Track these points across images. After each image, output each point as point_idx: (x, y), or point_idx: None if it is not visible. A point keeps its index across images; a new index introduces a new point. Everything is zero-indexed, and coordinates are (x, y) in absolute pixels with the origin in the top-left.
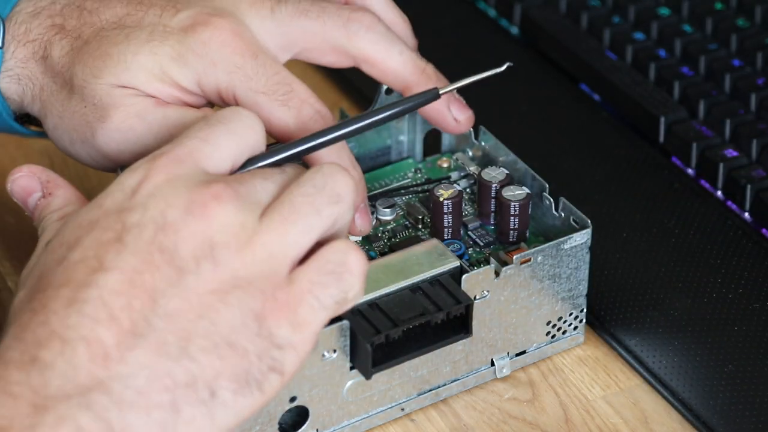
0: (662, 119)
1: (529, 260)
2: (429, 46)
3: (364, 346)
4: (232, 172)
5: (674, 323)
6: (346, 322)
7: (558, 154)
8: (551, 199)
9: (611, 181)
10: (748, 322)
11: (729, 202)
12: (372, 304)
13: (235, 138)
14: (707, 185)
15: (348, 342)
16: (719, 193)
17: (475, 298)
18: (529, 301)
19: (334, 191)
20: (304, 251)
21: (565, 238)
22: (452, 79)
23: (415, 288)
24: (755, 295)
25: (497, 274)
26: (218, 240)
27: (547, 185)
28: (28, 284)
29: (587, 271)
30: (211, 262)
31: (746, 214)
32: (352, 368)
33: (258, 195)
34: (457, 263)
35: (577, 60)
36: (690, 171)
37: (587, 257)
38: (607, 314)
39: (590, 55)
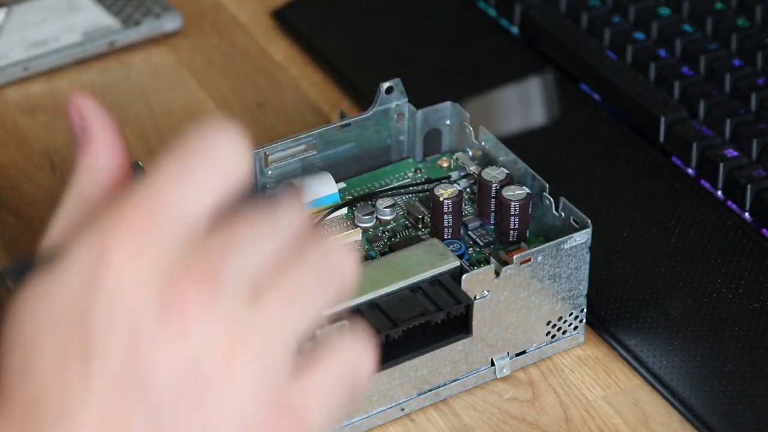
0: (662, 119)
1: (529, 260)
2: (429, 47)
3: None
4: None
5: (674, 323)
6: (345, 322)
7: (558, 154)
8: (551, 199)
9: (611, 181)
10: (748, 322)
11: (729, 202)
12: (372, 304)
13: (217, 169)
14: (707, 185)
15: None
16: (719, 193)
17: (475, 298)
18: (529, 301)
19: (338, 277)
20: (301, 342)
21: (565, 238)
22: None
23: (415, 288)
24: (755, 295)
25: (497, 273)
26: (202, 354)
27: (547, 185)
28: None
29: (587, 271)
30: (194, 397)
31: (746, 214)
32: None
33: (247, 267)
34: (457, 263)
35: (577, 60)
36: (690, 171)
37: (587, 257)
38: (607, 314)
39: (590, 55)
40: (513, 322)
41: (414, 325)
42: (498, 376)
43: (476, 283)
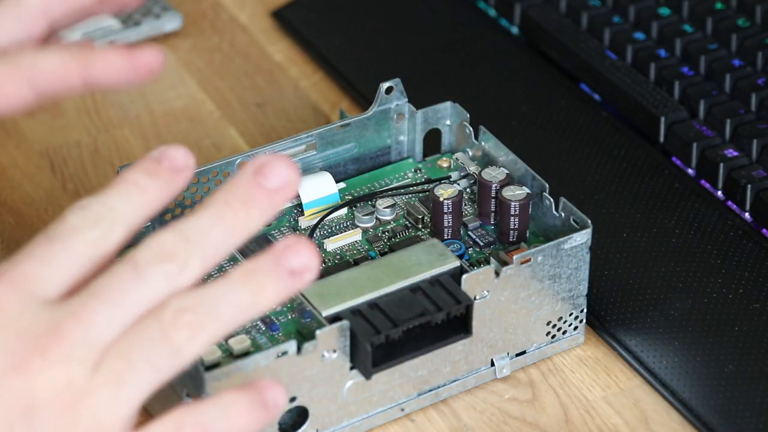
0: (662, 119)
1: (529, 260)
2: (429, 47)
3: (363, 347)
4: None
5: (674, 323)
6: (345, 322)
7: (558, 154)
8: (551, 199)
9: (611, 181)
10: (748, 322)
11: (729, 202)
12: (372, 304)
13: (79, 257)
14: (707, 185)
15: (348, 342)
16: (719, 193)
17: (475, 298)
18: (529, 301)
19: (179, 335)
20: (137, 410)
21: (566, 238)
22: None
23: (415, 288)
24: (755, 295)
25: (497, 274)
26: (38, 402)
27: (547, 185)
28: None
29: (587, 271)
30: (26, 427)
31: (746, 214)
32: (352, 368)
33: (96, 333)
34: (457, 263)
35: (577, 60)
36: (690, 171)
37: (587, 257)
38: (607, 314)
39: (590, 55)
40: (513, 322)
41: (414, 325)
42: (498, 377)
43: (476, 283)
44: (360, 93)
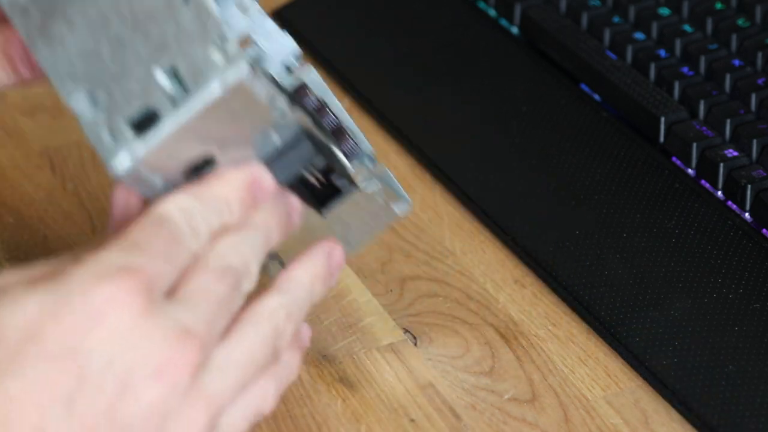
0: (662, 119)
1: None
2: (429, 46)
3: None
4: None
5: (674, 323)
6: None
7: (558, 154)
8: None
9: (611, 181)
10: (748, 322)
11: (729, 202)
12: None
13: (183, 250)
14: (707, 185)
15: None
16: (719, 193)
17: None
18: None
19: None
20: None
21: None
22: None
23: None
24: (755, 295)
25: None
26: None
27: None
28: None
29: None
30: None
31: (746, 215)
32: None
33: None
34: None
35: (577, 60)
36: (690, 171)
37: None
38: (607, 314)
39: (590, 55)
40: None
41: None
42: None
43: None
44: (360, 93)
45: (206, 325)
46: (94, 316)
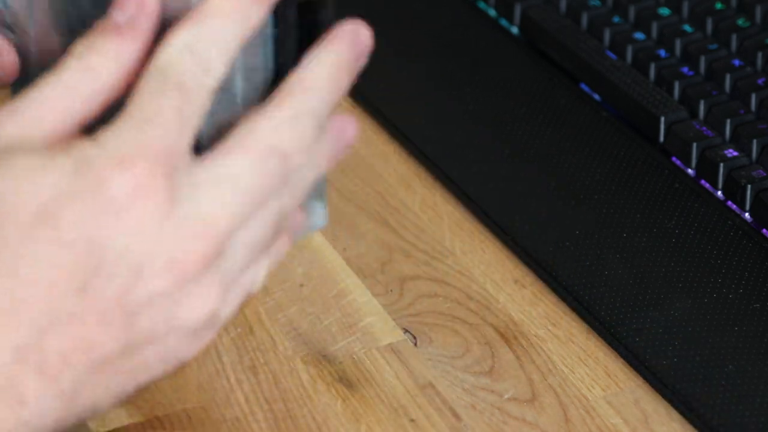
0: (662, 119)
1: None
2: (429, 46)
3: None
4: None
5: (674, 323)
6: None
7: (558, 154)
8: None
9: (611, 181)
10: (748, 322)
11: (729, 202)
12: None
13: (199, 100)
14: (707, 185)
15: None
16: (719, 193)
17: None
18: None
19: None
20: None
21: None
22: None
23: None
24: (755, 295)
25: None
26: (182, 323)
27: None
28: None
29: None
30: (161, 342)
31: (746, 215)
32: None
33: (247, 241)
34: None
35: (577, 60)
36: (690, 171)
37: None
38: (607, 314)
39: (590, 55)
40: None
41: None
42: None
43: None
44: (360, 93)
45: (229, 217)
46: (114, 206)
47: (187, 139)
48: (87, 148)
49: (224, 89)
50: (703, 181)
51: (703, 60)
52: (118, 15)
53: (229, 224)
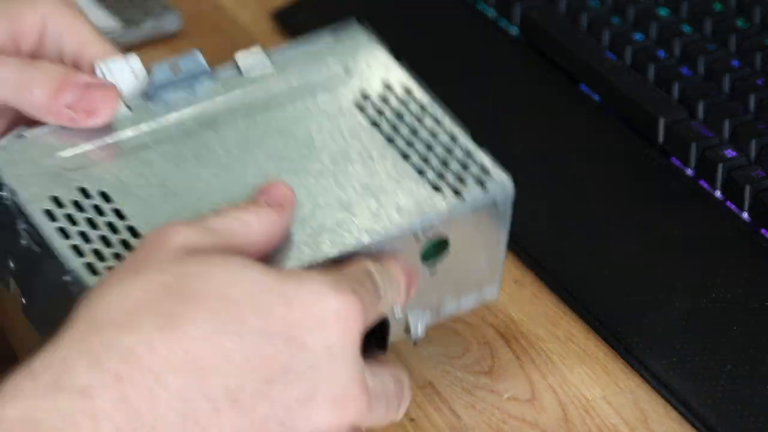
0: (661, 119)
1: None
2: (428, 47)
3: None
4: None
5: (674, 323)
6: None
7: (557, 155)
8: None
9: (611, 181)
10: (748, 322)
11: (728, 203)
12: None
13: (379, 303)
14: (706, 185)
15: None
16: (718, 193)
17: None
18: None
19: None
20: None
21: None
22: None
23: None
24: (754, 295)
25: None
26: None
27: None
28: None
29: None
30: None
31: (745, 214)
32: None
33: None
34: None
35: (577, 60)
36: (689, 171)
37: None
38: (607, 314)
39: (590, 56)
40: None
41: None
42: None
43: None
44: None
45: (376, 399)
46: (321, 319)
47: (371, 317)
48: (305, 273)
49: None
50: (702, 181)
51: (702, 60)
52: (268, 197)
53: (372, 395)
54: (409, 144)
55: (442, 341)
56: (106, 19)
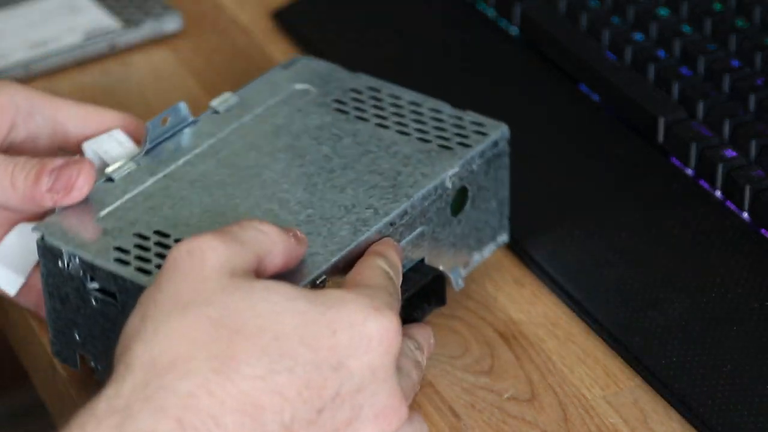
0: (661, 119)
1: None
2: (428, 47)
3: None
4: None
5: (674, 323)
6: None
7: (557, 155)
8: None
9: (611, 181)
10: (748, 322)
11: (728, 202)
12: None
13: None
14: (706, 185)
15: None
16: (718, 193)
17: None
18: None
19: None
20: None
21: None
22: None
23: None
24: (755, 295)
25: None
26: None
27: None
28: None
29: None
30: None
31: (745, 214)
32: None
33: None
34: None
35: (577, 60)
36: (689, 171)
37: None
38: (606, 314)
39: (590, 56)
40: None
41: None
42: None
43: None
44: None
45: (408, 398)
46: (364, 343)
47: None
48: (343, 294)
49: None
50: (701, 181)
51: (701, 60)
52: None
53: (407, 401)
54: (401, 124)
55: (442, 341)
56: (106, 19)
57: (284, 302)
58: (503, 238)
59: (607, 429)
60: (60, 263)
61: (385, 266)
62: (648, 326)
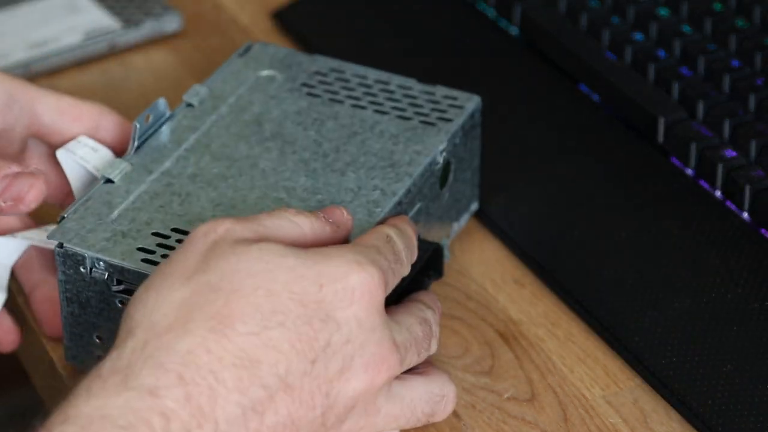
0: (661, 119)
1: None
2: (428, 47)
3: None
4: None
5: (673, 323)
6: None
7: (557, 155)
8: None
9: (611, 181)
10: (748, 322)
11: (728, 202)
12: None
13: (400, 266)
14: (706, 185)
15: None
16: (718, 193)
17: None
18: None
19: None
20: None
21: None
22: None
23: None
24: (754, 295)
25: None
26: (371, 398)
27: None
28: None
29: None
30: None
31: (745, 214)
32: None
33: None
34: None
35: (577, 60)
36: (689, 171)
37: None
38: (607, 314)
39: (590, 56)
40: None
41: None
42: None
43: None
44: None
45: (405, 350)
46: (350, 294)
47: (393, 281)
48: (327, 250)
49: None
50: (701, 181)
51: (701, 60)
52: (327, 214)
53: (405, 353)
54: (376, 103)
55: (442, 341)
56: (106, 19)
57: (276, 259)
58: (474, 206)
59: (607, 429)
60: (82, 269)
61: (390, 232)
62: (648, 326)
